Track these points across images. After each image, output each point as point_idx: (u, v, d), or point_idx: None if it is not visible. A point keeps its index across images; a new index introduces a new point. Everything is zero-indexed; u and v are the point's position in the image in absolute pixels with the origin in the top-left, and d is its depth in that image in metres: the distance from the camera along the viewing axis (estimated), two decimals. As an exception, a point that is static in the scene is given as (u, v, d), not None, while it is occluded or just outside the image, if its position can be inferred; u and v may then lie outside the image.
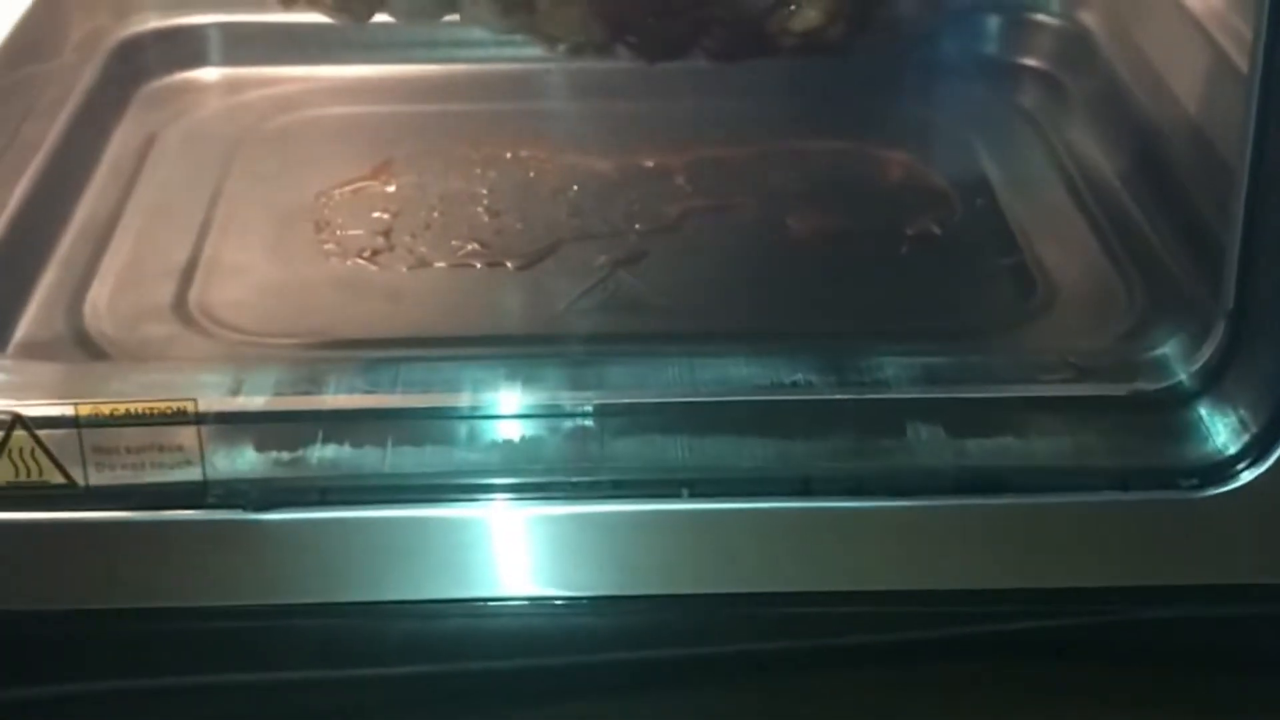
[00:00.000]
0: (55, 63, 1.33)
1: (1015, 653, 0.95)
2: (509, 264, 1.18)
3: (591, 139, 1.34)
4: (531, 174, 1.29)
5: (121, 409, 0.91)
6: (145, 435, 0.92)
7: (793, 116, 1.36)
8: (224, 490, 0.93)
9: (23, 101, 1.25)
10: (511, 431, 0.98)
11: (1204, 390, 0.98)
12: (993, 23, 1.45)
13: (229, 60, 1.43)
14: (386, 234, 1.21)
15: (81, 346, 1.07)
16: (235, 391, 0.99)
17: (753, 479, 0.95)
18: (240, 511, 0.92)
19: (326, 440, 0.96)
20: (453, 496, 0.94)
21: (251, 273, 1.16)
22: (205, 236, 1.19)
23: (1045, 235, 1.20)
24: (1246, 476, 0.93)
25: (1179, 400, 0.98)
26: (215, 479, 0.93)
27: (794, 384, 1.00)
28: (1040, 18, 1.45)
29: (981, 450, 0.96)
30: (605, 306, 1.13)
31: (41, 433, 0.92)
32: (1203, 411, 0.97)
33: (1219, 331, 0.98)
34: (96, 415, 0.91)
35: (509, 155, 1.31)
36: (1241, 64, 0.97)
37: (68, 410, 0.92)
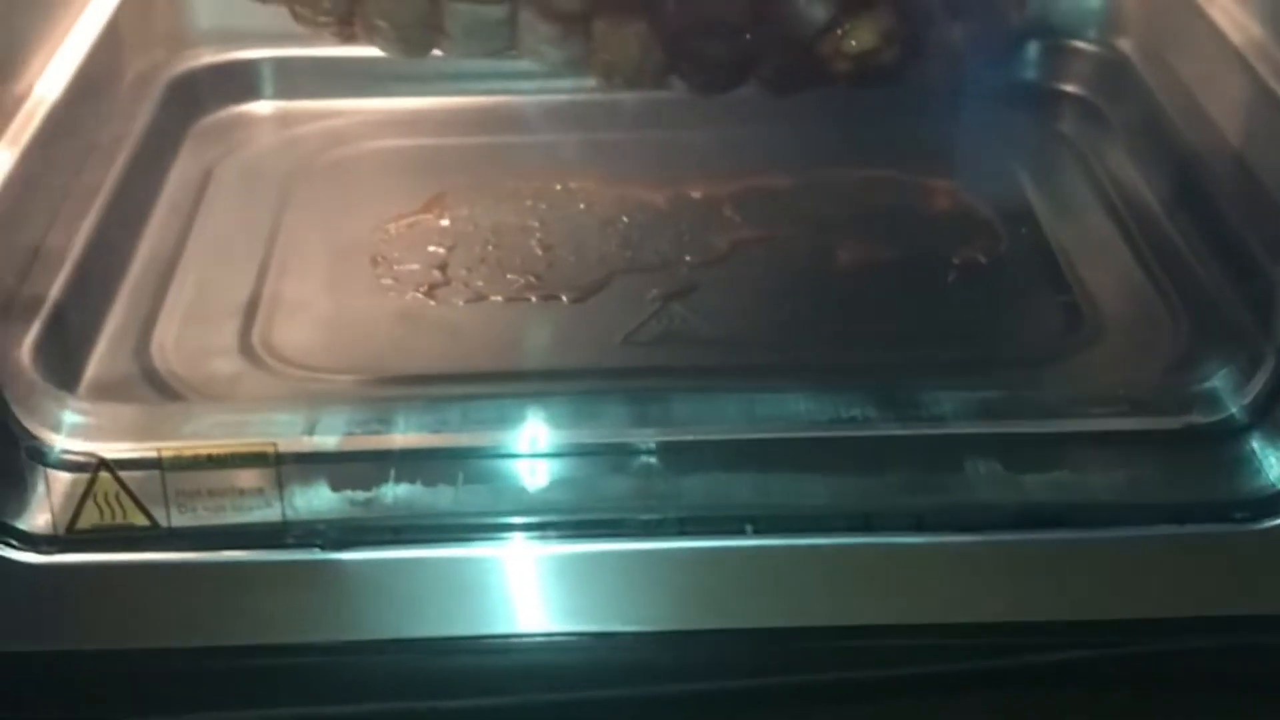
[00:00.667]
0: (112, 101, 1.35)
1: (1076, 683, 0.97)
2: (564, 297, 1.20)
3: (639, 169, 1.36)
4: (582, 205, 1.32)
5: (204, 452, 0.94)
6: (226, 477, 0.94)
7: (836, 145, 1.38)
8: (302, 530, 0.95)
9: (84, 140, 1.27)
10: (578, 469, 1.00)
11: (1255, 423, 1.00)
12: (1032, 48, 1.46)
13: (281, 94, 1.45)
14: (443, 268, 1.23)
15: (151, 385, 1.10)
16: (309, 431, 1.01)
17: (815, 515, 0.97)
18: (318, 551, 0.95)
19: (399, 479, 0.98)
20: (524, 534, 0.96)
21: (312, 309, 1.19)
22: (265, 273, 1.22)
23: (1091, 265, 1.22)
24: (1298, 509, 0.95)
25: (1231, 433, 1.00)
26: (294, 519, 0.95)
27: (852, 419, 1.02)
28: (1079, 44, 1.46)
29: (1039, 485, 0.98)
30: (660, 340, 1.16)
31: (124, 474, 0.94)
32: (1255, 445, 0.99)
33: (1269, 365, 1.00)
34: (179, 458, 0.93)
35: (559, 187, 1.33)
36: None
37: (150, 453, 0.94)
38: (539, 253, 1.25)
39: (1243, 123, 1.21)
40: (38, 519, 0.95)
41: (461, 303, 1.20)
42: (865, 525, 0.97)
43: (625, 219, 1.30)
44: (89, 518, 0.93)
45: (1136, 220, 1.27)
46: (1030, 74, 1.46)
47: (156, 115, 1.38)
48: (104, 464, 0.94)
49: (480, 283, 1.22)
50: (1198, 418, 1.01)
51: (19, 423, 0.99)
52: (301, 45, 1.41)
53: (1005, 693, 0.96)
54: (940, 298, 1.21)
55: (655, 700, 0.96)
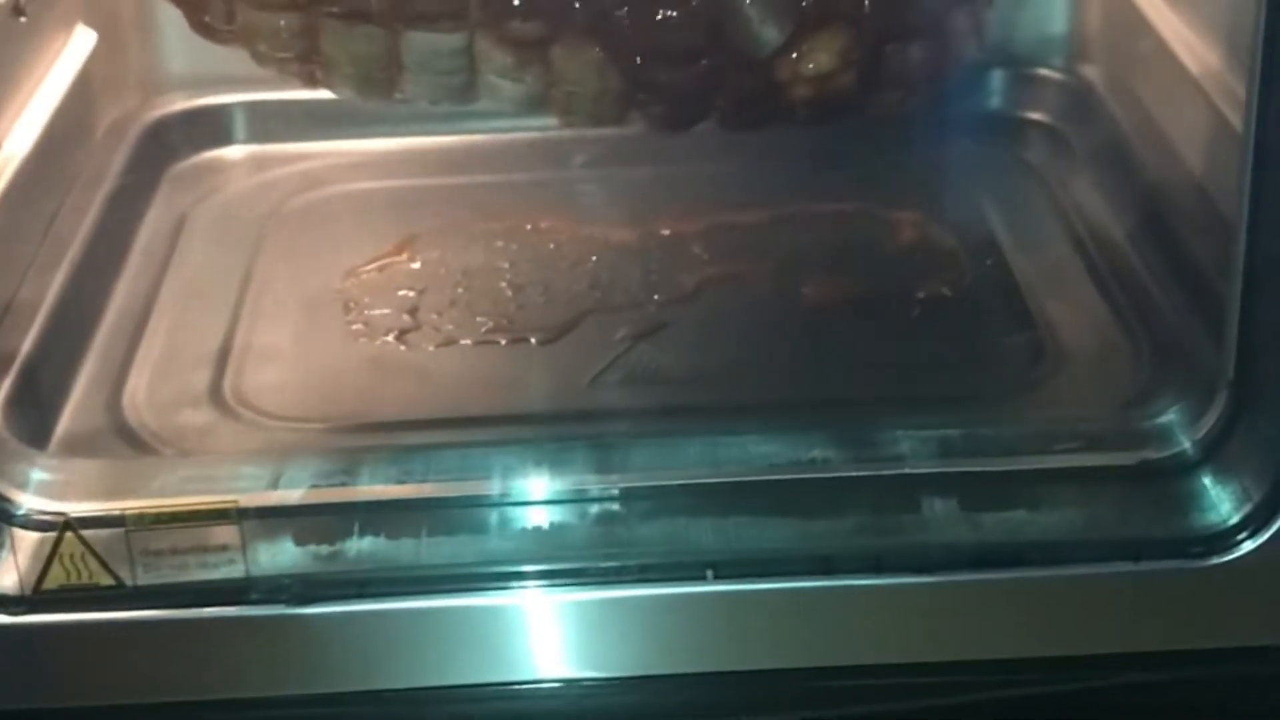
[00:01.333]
0: (86, 149, 1.36)
1: (1033, 718, 0.98)
2: (532, 339, 1.21)
3: (608, 207, 1.37)
4: (552, 245, 1.33)
5: (167, 511, 0.95)
6: (190, 534, 0.95)
7: (803, 178, 1.39)
8: (267, 586, 0.96)
9: (56, 192, 1.28)
10: (541, 518, 1.01)
11: (1206, 459, 1.01)
12: (997, 77, 1.47)
13: (254, 138, 1.47)
14: (413, 312, 1.24)
15: (122, 438, 1.11)
16: (273, 484, 1.02)
17: (775, 559, 0.98)
18: (283, 606, 0.96)
19: (363, 532, 0.99)
20: (486, 585, 0.98)
21: (284, 357, 1.20)
22: (237, 321, 1.23)
23: (1054, 296, 1.23)
24: (1248, 545, 0.96)
25: (1183, 469, 1.01)
26: (258, 575, 0.96)
27: (812, 461, 1.03)
28: (1044, 72, 1.47)
29: (996, 524, 0.99)
30: (626, 381, 1.17)
31: (88, 533, 0.95)
32: (1206, 481, 1.00)
33: (1221, 400, 1.00)
34: (143, 516, 0.94)
35: (529, 227, 1.35)
36: (1238, 125, 0.99)
37: (115, 512, 0.95)
38: (509, 294, 1.27)
39: (1203, 152, 1.22)
40: (4, 580, 0.96)
41: (432, 347, 1.21)
42: (825, 569, 0.98)
43: (594, 258, 1.31)
44: (55, 578, 0.94)
45: (1100, 250, 1.27)
46: (995, 102, 1.47)
47: (130, 162, 1.39)
48: (69, 524, 0.95)
49: (450, 326, 1.23)
50: (1151, 453, 1.02)
51: (-13, 483, 1.00)
52: (273, 89, 1.43)
53: (964, 731, 0.98)
54: (905, 332, 1.22)
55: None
